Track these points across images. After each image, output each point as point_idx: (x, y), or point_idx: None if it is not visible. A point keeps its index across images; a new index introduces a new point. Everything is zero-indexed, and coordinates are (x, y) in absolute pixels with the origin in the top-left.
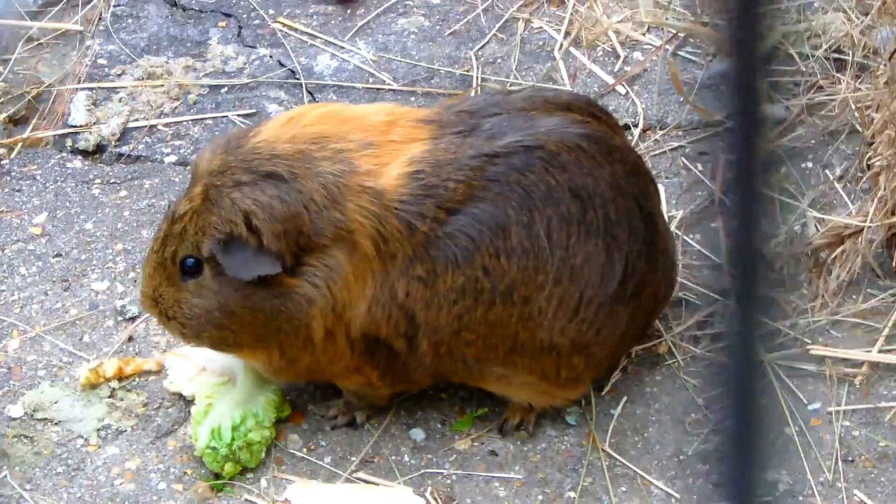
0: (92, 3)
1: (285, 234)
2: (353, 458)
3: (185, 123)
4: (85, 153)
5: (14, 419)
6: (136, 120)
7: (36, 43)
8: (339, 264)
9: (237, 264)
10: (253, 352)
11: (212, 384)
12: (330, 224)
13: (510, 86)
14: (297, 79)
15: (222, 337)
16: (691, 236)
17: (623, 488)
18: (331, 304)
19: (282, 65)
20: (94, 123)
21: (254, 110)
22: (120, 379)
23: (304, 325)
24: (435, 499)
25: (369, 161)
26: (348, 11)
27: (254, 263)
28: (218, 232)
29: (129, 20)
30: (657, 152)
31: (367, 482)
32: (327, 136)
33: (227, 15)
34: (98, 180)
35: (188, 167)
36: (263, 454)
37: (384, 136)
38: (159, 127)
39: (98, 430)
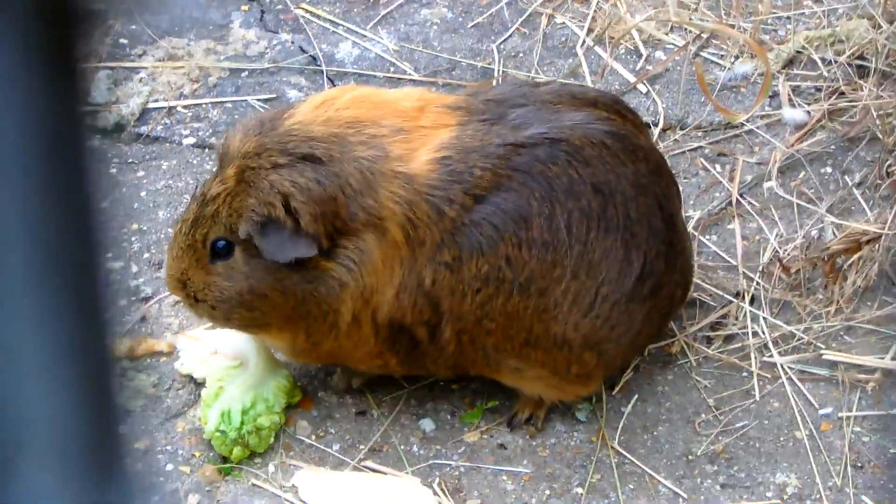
0: None
1: (322, 217)
2: (362, 447)
3: (204, 106)
4: (103, 132)
5: None
6: (156, 101)
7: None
8: (370, 249)
9: (274, 247)
10: (280, 332)
11: (223, 367)
12: (363, 209)
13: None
14: (318, 65)
15: (252, 318)
16: (707, 237)
17: (631, 486)
18: (361, 288)
19: (303, 51)
20: (114, 103)
21: (274, 95)
22: (131, 359)
23: (332, 310)
24: (442, 490)
25: (401, 146)
26: (371, 0)
27: (291, 246)
28: (256, 214)
29: (152, 1)
30: (676, 152)
31: (375, 471)
32: (362, 121)
33: None
34: (116, 159)
35: (206, 149)
36: (272, 439)
37: (414, 121)
38: (179, 108)
39: None
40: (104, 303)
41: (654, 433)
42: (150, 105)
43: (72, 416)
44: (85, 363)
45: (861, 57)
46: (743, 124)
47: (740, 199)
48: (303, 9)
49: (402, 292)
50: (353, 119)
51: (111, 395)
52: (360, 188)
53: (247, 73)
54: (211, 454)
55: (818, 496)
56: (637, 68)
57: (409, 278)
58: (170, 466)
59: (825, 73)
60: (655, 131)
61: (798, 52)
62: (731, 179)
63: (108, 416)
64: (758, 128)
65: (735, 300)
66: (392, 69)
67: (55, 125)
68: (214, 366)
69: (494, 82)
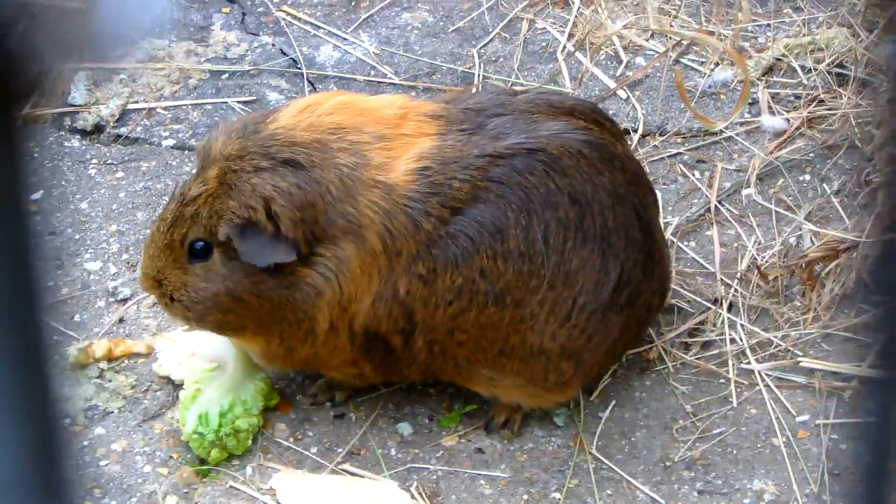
0: None
1: (302, 223)
2: (340, 450)
3: (184, 107)
4: (83, 133)
5: None
6: (136, 102)
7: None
8: (348, 257)
9: (253, 250)
10: (254, 337)
11: (201, 370)
12: (342, 216)
13: (511, 85)
14: (299, 68)
15: (227, 321)
16: (685, 243)
17: (608, 491)
18: (338, 297)
19: (284, 53)
20: (94, 104)
21: (254, 98)
22: (109, 360)
23: (308, 317)
24: (420, 493)
25: (382, 154)
26: (352, 3)
27: (269, 250)
28: (236, 216)
29: (133, 1)
30: (655, 158)
31: (352, 474)
32: (344, 127)
33: (231, 1)
34: (95, 160)
35: (186, 151)
36: (250, 442)
37: (396, 129)
38: (158, 110)
39: (85, 410)
40: (45, 342)
41: (632, 439)
42: (130, 106)
43: (16, 454)
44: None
45: (840, 65)
46: (722, 131)
47: (719, 205)
48: (284, 11)
49: (378, 301)
50: (336, 125)
51: (56, 432)
52: (340, 195)
53: (227, 75)
54: (189, 456)
55: (795, 503)
56: (617, 74)
57: (385, 287)
58: (147, 468)
59: (804, 81)
60: (635, 137)
61: (778, 59)
62: (710, 186)
63: (52, 456)
64: (737, 135)
65: (713, 307)
66: (372, 73)
67: None
68: (192, 368)
69: (475, 88)
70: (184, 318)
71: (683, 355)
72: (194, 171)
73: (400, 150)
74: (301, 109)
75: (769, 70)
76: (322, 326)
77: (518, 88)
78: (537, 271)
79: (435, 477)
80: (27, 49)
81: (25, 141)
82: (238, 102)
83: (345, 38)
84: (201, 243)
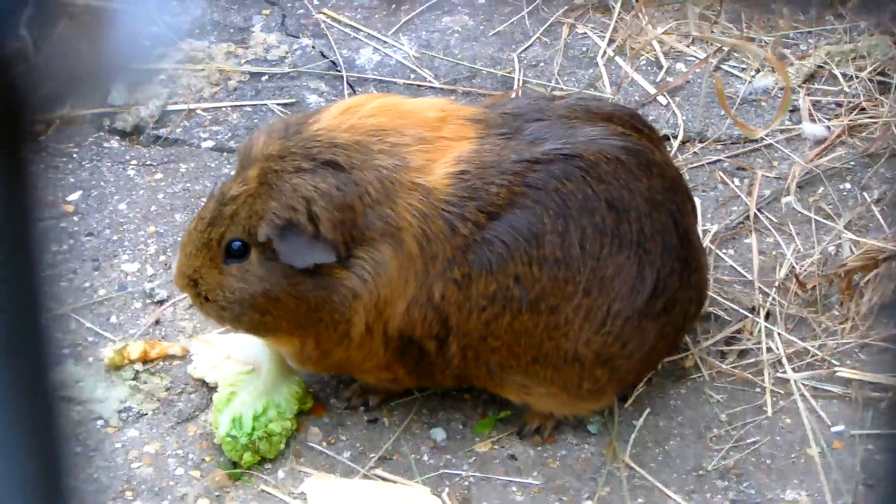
0: None
1: (341, 224)
2: (373, 455)
3: (223, 109)
4: (122, 133)
5: None
6: (176, 103)
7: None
8: (385, 260)
9: (293, 251)
10: (288, 338)
11: (236, 372)
12: (380, 219)
13: (551, 90)
14: (339, 71)
15: (262, 321)
16: (724, 251)
17: (641, 500)
18: (374, 299)
19: (324, 56)
20: (133, 105)
21: (293, 100)
22: (144, 362)
23: (345, 319)
24: (452, 500)
25: (421, 157)
26: (392, 6)
27: (309, 251)
28: (277, 217)
29: (174, 3)
30: (695, 165)
31: (384, 479)
32: (385, 129)
33: (272, 3)
34: (134, 161)
35: (225, 153)
36: (283, 445)
37: (436, 132)
38: (198, 111)
39: (119, 411)
40: (52, 378)
41: (666, 447)
42: (170, 107)
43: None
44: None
45: (882, 73)
46: (762, 138)
47: (758, 213)
48: (324, 14)
49: (412, 305)
50: (377, 127)
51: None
52: (379, 197)
53: (267, 77)
54: (221, 459)
55: None
56: (657, 80)
57: (421, 292)
58: (180, 470)
59: (846, 89)
60: (675, 144)
61: (819, 67)
62: (750, 194)
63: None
64: (777, 142)
65: (750, 315)
66: (412, 76)
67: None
68: (227, 371)
69: (514, 93)
70: (218, 318)
71: (719, 364)
72: (233, 171)
73: (439, 154)
74: (342, 111)
75: (810, 77)
76: (358, 329)
77: (557, 94)
78: (573, 277)
79: (467, 483)
80: (37, 83)
81: (35, 177)
82: (277, 104)
83: (385, 42)
84: (239, 243)
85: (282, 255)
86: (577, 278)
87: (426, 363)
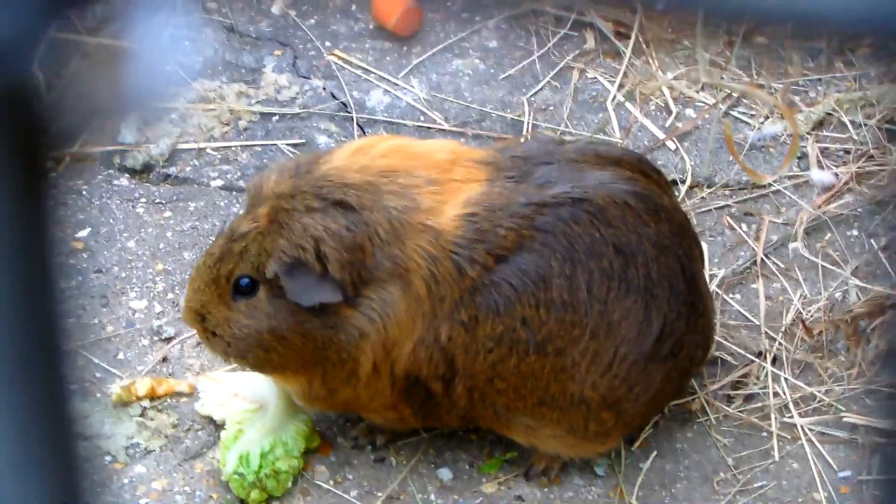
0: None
1: (350, 265)
2: (380, 494)
3: (234, 149)
4: (132, 171)
5: None
6: (186, 142)
7: (90, 58)
8: (394, 300)
9: (300, 289)
10: (295, 376)
11: (243, 410)
12: (389, 260)
13: (561, 134)
14: (349, 112)
15: (268, 359)
16: (731, 296)
17: None
18: (382, 339)
19: (334, 97)
20: (144, 143)
21: (303, 140)
22: (151, 399)
23: (352, 358)
24: None
25: (431, 198)
26: (404, 48)
27: (317, 290)
28: (285, 255)
29: (186, 42)
30: (703, 210)
31: None
32: (396, 171)
33: (284, 44)
34: (143, 199)
35: (234, 192)
36: (290, 483)
37: (447, 174)
38: (208, 150)
39: (126, 448)
40: (67, 396)
41: (672, 490)
42: (180, 146)
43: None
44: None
45: (891, 121)
46: (770, 184)
47: (765, 258)
48: (335, 55)
49: (419, 346)
50: (388, 168)
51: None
52: (388, 238)
53: (277, 117)
54: (229, 496)
55: None
56: (667, 125)
57: (427, 333)
58: None
59: (854, 136)
60: (683, 188)
61: (828, 114)
62: (757, 239)
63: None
64: (785, 188)
65: (757, 360)
66: (422, 118)
67: (21, 238)
68: (234, 408)
69: (523, 138)
70: (224, 354)
71: (726, 408)
72: (242, 210)
73: (449, 195)
74: (354, 151)
75: (819, 124)
76: (365, 368)
77: (567, 138)
78: (580, 321)
79: None
80: (51, 119)
81: (53, 197)
82: (287, 145)
83: (395, 84)
84: (247, 280)
85: (289, 293)
86: (584, 321)
87: (432, 404)
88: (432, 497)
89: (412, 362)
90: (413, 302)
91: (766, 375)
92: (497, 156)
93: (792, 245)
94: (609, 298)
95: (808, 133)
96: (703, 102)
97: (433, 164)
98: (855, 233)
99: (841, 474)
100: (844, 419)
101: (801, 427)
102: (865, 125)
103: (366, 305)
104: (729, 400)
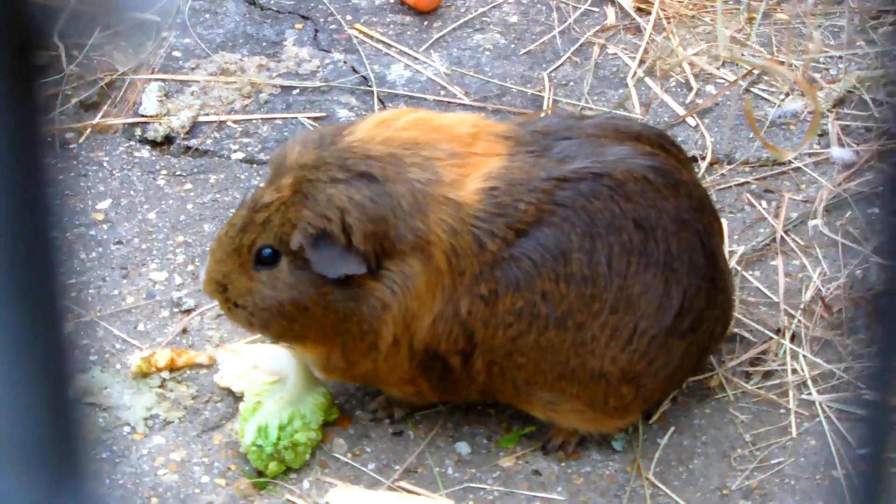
0: None
1: (373, 236)
2: (397, 467)
3: (254, 121)
4: (153, 143)
5: None
6: (207, 114)
7: (112, 30)
8: (414, 273)
9: (325, 261)
10: (315, 346)
11: (262, 382)
12: (411, 232)
13: (581, 109)
14: (370, 86)
15: (290, 329)
16: (750, 273)
17: None
18: (403, 312)
19: (355, 71)
20: (165, 115)
21: (324, 114)
22: (171, 370)
23: (373, 330)
24: None
25: (453, 172)
26: (425, 23)
27: (341, 261)
28: (311, 226)
29: (207, 15)
30: (723, 186)
31: (409, 491)
32: (419, 143)
33: (305, 17)
34: (164, 171)
35: (254, 164)
36: (308, 456)
37: (469, 147)
38: (229, 123)
39: (145, 419)
40: (62, 316)
41: (690, 466)
42: (201, 118)
43: (29, 423)
44: (42, 369)
45: None
46: (791, 161)
47: (785, 236)
48: (356, 29)
49: (438, 320)
50: (411, 140)
51: (69, 404)
52: (411, 210)
53: (298, 90)
54: (247, 468)
55: None
56: (687, 101)
57: (447, 307)
58: (205, 479)
59: (876, 114)
60: (703, 165)
61: (849, 91)
62: (777, 216)
63: (65, 425)
64: (805, 166)
65: (776, 336)
66: (442, 93)
67: (13, 140)
68: (253, 380)
69: (543, 112)
70: (247, 325)
71: (744, 384)
72: (262, 183)
73: (470, 169)
74: (377, 123)
75: (840, 102)
76: (386, 341)
77: (587, 113)
78: (600, 295)
79: (491, 497)
80: (47, 19)
81: (46, 111)
82: (308, 118)
83: (416, 58)
84: (269, 250)
85: (314, 264)
86: (603, 296)
87: (450, 378)
88: (450, 471)
89: (431, 336)
90: (433, 275)
91: (785, 352)
92: (518, 130)
93: (812, 222)
94: (629, 273)
95: (828, 110)
96: (724, 79)
97: (455, 137)
98: (876, 210)
99: (860, 451)
100: (864, 397)
101: (820, 404)
102: (887, 103)
103: (388, 277)
104: (747, 376)
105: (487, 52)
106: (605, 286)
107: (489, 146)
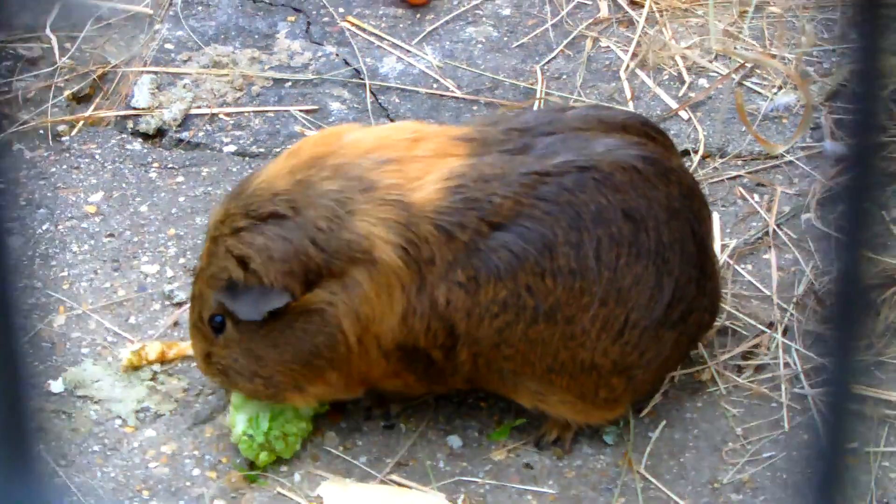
0: None
1: (290, 274)
2: (389, 460)
3: (246, 114)
4: (145, 136)
5: (54, 395)
6: (199, 107)
7: (105, 23)
8: (357, 282)
9: (247, 307)
10: (308, 386)
11: None
12: (343, 247)
13: (573, 102)
14: (362, 79)
15: (265, 383)
16: (742, 266)
17: None
18: (354, 311)
19: (347, 64)
20: (157, 107)
21: (316, 107)
22: (162, 363)
23: (338, 330)
24: None
25: (392, 176)
26: (417, 16)
27: (262, 301)
28: (217, 280)
29: (199, 7)
30: (715, 180)
31: (400, 485)
32: (323, 156)
33: (297, 10)
34: (156, 164)
35: (246, 157)
36: (299, 447)
37: (409, 151)
38: (221, 116)
39: (137, 411)
40: (14, 311)
41: (681, 459)
42: (193, 111)
43: None
44: None
45: None
46: (783, 155)
47: (777, 229)
48: (349, 22)
49: (410, 316)
50: (314, 157)
51: (21, 396)
52: (333, 227)
53: (290, 83)
54: (238, 461)
55: None
56: (679, 95)
57: (420, 300)
58: (196, 471)
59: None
60: (695, 158)
61: (842, 85)
62: (769, 210)
63: (16, 417)
64: (798, 159)
65: (768, 330)
66: (435, 86)
67: None
68: None
69: (527, 105)
70: (240, 390)
71: (736, 378)
72: (254, 174)
73: (420, 171)
74: (286, 156)
75: (833, 95)
76: (352, 339)
77: (568, 105)
78: (589, 288)
79: (482, 490)
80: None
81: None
82: (300, 111)
83: (408, 51)
84: (219, 317)
85: (238, 313)
86: (593, 289)
87: (436, 369)
88: (441, 464)
89: (405, 334)
90: (383, 277)
91: (777, 346)
92: (486, 131)
93: (804, 216)
94: (619, 265)
95: (821, 104)
96: (717, 72)
97: (386, 145)
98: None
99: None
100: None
101: (812, 398)
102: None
103: (323, 287)
104: (739, 370)
105: (480, 45)
106: (594, 279)
107: (439, 148)
